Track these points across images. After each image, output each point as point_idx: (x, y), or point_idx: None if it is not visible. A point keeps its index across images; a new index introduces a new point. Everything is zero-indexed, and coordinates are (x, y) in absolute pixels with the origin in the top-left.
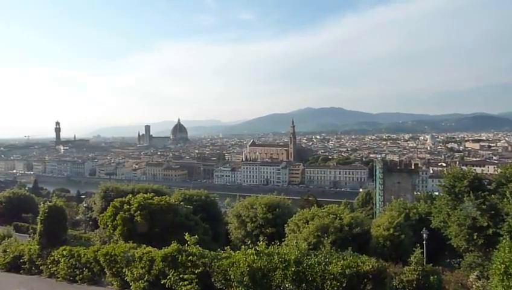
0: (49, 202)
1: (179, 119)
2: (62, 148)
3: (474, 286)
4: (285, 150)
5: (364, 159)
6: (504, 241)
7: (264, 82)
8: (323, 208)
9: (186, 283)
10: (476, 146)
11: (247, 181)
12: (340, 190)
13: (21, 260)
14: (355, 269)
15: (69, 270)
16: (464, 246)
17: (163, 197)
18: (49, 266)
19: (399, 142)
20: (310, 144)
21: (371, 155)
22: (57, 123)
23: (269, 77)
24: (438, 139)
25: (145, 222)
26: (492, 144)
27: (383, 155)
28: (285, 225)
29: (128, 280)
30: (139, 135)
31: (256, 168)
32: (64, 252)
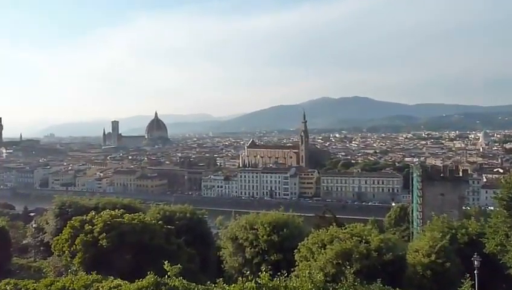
0: None
1: (156, 114)
2: (4, 151)
3: None
4: (295, 152)
5: (397, 165)
6: None
7: (267, 66)
8: (345, 228)
9: None
10: None
11: (245, 193)
12: (366, 204)
13: None
14: None
15: None
16: None
17: (137, 214)
18: None
19: (442, 142)
20: (327, 144)
21: (406, 159)
22: None
23: (274, 59)
24: (493, 138)
25: (113, 246)
26: None
27: (422, 159)
28: (295, 251)
29: None
30: (104, 133)
31: (257, 177)
32: (8, 288)
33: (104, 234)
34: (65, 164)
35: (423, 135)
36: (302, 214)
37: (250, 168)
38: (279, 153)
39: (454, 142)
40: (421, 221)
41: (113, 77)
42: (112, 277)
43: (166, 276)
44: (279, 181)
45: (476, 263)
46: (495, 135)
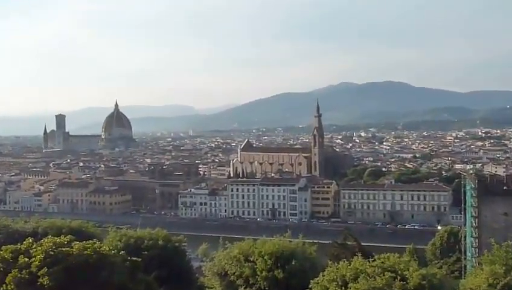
0: None
1: (117, 105)
2: None
3: None
4: (306, 157)
5: (444, 174)
6: None
7: (269, 42)
8: (374, 260)
9: None
10: None
11: (238, 213)
12: (402, 228)
13: None
14: None
15: None
16: None
17: (90, 242)
18: None
19: (506, 142)
20: (349, 146)
21: (457, 166)
22: None
23: (277, 33)
24: None
25: (58, 286)
26: None
27: (478, 166)
28: None
29: None
30: (46, 132)
31: (254, 191)
32: None
33: (46, 269)
34: None
35: (479, 133)
36: (316, 241)
37: (244, 179)
38: (284, 158)
39: None
40: (476, 250)
41: (59, 56)
42: None
43: None
44: (284, 196)
45: None
46: None
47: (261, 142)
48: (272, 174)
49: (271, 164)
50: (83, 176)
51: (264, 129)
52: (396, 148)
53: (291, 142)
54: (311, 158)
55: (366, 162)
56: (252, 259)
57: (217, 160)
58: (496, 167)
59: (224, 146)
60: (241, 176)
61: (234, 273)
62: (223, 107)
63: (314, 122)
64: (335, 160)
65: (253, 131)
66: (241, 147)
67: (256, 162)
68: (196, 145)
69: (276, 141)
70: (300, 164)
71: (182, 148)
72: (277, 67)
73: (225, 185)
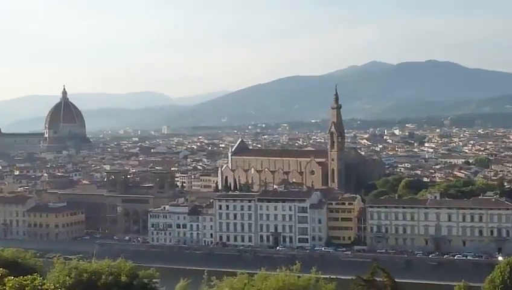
0: None
1: (65, 93)
2: None
3: None
4: (320, 163)
5: (507, 186)
6: None
7: (264, 7)
8: None
9: None
10: None
11: (227, 239)
12: (450, 258)
13: None
14: None
15: None
16: None
17: (29, 277)
18: None
19: None
20: (379, 148)
21: None
22: None
23: None
24: None
25: None
26: None
27: None
28: None
29: None
30: None
31: (249, 208)
32: None
33: None
34: None
35: None
36: (334, 277)
37: (237, 193)
38: (291, 164)
39: None
40: None
41: None
42: None
43: None
44: (290, 216)
45: None
46: None
47: (260, 142)
48: (275, 187)
49: (273, 172)
50: (19, 189)
51: (263, 125)
52: (442, 152)
53: (300, 142)
54: (328, 165)
55: (402, 169)
56: None
57: (199, 167)
58: None
59: (209, 148)
60: (232, 188)
61: None
62: (208, 95)
63: (331, 116)
64: (360, 167)
65: (249, 128)
66: (233, 149)
67: (252, 169)
68: (172, 147)
69: (279, 141)
70: (312, 172)
71: (152, 150)
72: (272, 42)
73: (211, 200)
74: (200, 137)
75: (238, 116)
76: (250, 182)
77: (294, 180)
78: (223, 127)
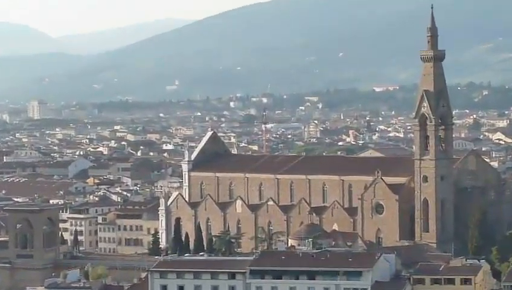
0: None
1: None
2: None
3: None
4: (395, 188)
5: None
6: None
7: None
8: None
9: None
10: None
11: None
12: None
13: None
14: None
15: None
16: None
17: None
18: None
19: None
20: None
21: None
22: None
23: None
24: None
25: None
26: None
27: None
28: None
29: None
30: None
31: None
32: None
33: None
34: None
35: None
36: None
37: (202, 259)
38: (329, 188)
39: None
40: None
41: None
42: None
43: None
44: None
45: None
46: None
47: (254, 139)
48: (291, 243)
49: (286, 208)
50: None
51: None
52: None
53: (349, 141)
54: (415, 192)
55: None
56: None
57: (116, 198)
58: None
59: (138, 153)
60: (192, 247)
61: None
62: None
63: (421, 76)
64: (488, 198)
65: (232, 105)
66: (192, 156)
67: (239, 203)
68: (55, 150)
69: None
70: (379, 208)
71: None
72: None
73: (141, 276)
74: (116, 128)
75: (193, 79)
76: (233, 230)
77: (335, 227)
78: (168, 104)
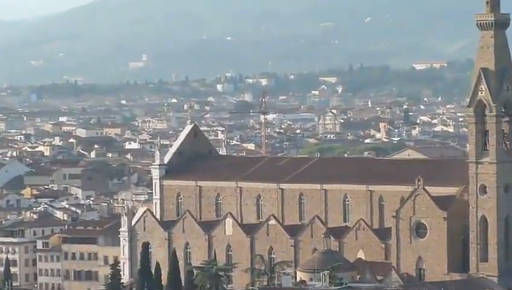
0: None
1: None
2: None
3: None
4: (441, 201)
5: None
6: None
7: None
8: None
9: None
10: None
11: None
12: None
13: None
14: None
15: None
16: None
17: None
18: None
19: None
20: None
21: None
22: None
23: None
24: None
25: None
26: None
27: None
28: None
29: None
30: None
31: None
32: None
33: None
34: None
35: None
36: None
37: None
38: (351, 202)
39: None
40: None
41: None
42: None
43: None
44: None
45: None
46: None
47: (249, 134)
48: (300, 276)
49: (295, 230)
50: None
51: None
52: None
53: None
54: (470, 207)
55: None
56: None
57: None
58: None
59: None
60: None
61: None
62: None
63: (477, 51)
64: None
65: (220, 87)
66: (166, 158)
67: (229, 222)
68: None
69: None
70: (420, 229)
71: None
72: None
73: None
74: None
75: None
76: (221, 259)
77: (360, 254)
78: (132, 87)
